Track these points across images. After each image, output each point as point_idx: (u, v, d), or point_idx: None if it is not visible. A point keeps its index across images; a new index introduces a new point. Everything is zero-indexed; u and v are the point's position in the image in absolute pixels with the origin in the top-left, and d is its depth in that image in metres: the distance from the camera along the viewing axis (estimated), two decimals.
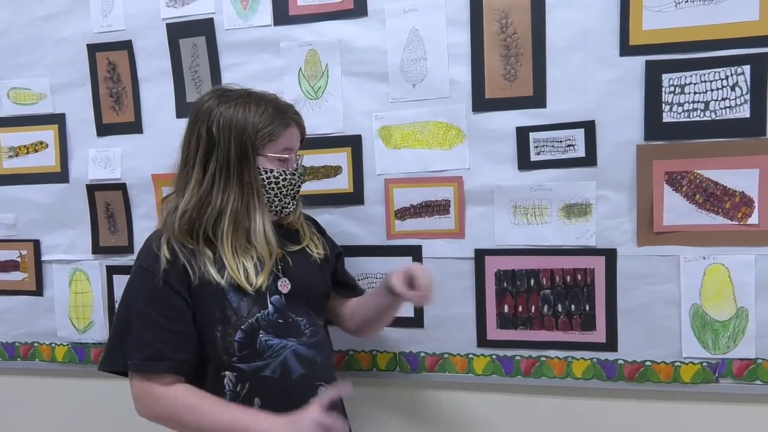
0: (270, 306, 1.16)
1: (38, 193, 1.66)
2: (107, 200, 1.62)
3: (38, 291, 1.69)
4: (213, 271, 1.12)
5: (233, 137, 1.14)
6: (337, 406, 1.23)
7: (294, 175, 1.21)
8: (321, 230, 1.37)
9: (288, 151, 1.20)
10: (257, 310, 1.15)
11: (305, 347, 1.19)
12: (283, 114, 1.19)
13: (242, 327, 1.14)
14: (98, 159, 1.61)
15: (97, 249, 1.64)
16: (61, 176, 1.64)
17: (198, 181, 1.14)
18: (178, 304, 1.12)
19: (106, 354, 1.16)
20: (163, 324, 1.11)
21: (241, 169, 1.14)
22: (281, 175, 1.19)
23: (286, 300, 1.18)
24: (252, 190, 1.16)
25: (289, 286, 1.19)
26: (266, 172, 1.17)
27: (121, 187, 1.60)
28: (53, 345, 1.70)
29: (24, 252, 1.69)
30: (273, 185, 1.19)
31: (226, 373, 1.14)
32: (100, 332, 1.65)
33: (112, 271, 1.63)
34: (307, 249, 1.27)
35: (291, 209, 1.24)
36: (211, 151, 1.14)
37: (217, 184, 1.14)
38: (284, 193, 1.20)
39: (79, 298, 1.66)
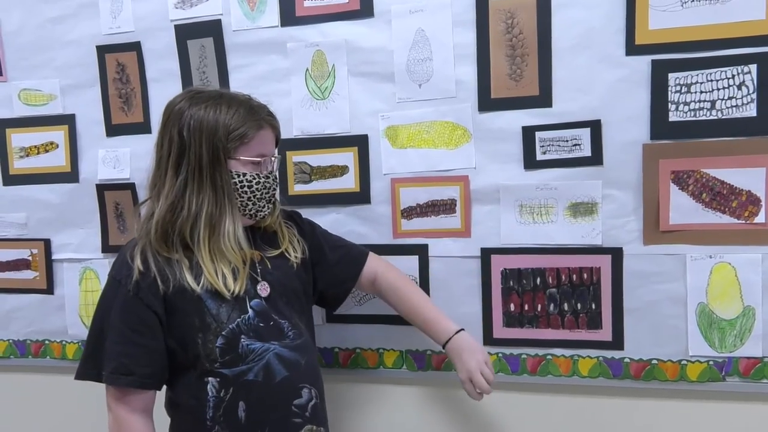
0: (250, 310, 1.16)
1: (49, 193, 1.68)
2: (117, 200, 1.64)
3: (49, 289, 1.71)
4: (189, 279, 1.12)
5: (204, 140, 1.12)
6: (318, 412, 1.22)
7: (268, 178, 1.19)
8: (303, 231, 1.33)
9: (261, 155, 1.18)
10: (237, 315, 1.15)
11: (288, 350, 1.18)
12: (255, 115, 1.16)
13: (223, 333, 1.13)
14: (108, 159, 1.63)
15: (107, 248, 1.65)
16: (71, 176, 1.66)
17: (171, 186, 1.13)
18: (147, 318, 1.12)
19: (81, 363, 1.18)
20: (131, 337, 1.12)
21: (213, 172, 1.12)
22: (254, 179, 1.17)
23: (267, 303, 1.18)
24: (224, 194, 1.14)
25: (269, 290, 1.19)
26: (238, 176, 1.15)
27: (130, 187, 1.62)
28: (64, 343, 1.72)
29: (35, 251, 1.71)
30: (246, 189, 1.16)
31: (209, 379, 1.14)
32: None
33: None
34: (285, 253, 1.25)
35: (266, 212, 1.22)
36: (183, 154, 1.12)
37: (189, 187, 1.12)
38: (258, 197, 1.18)
39: (89, 296, 1.68)
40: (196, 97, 1.16)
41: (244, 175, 1.16)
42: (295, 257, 1.26)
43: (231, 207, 1.15)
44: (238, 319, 1.15)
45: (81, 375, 1.18)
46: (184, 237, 1.13)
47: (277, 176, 1.25)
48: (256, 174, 1.18)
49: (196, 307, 1.13)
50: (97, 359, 1.15)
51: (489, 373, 1.23)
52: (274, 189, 1.23)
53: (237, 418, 1.14)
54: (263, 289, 1.19)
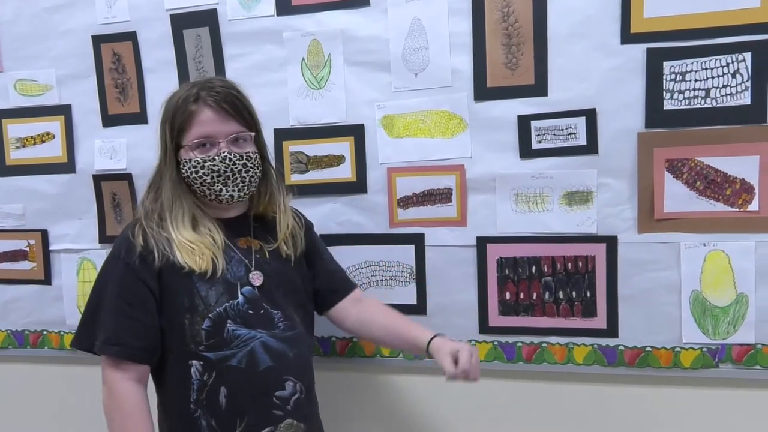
0: (240, 296, 1.17)
1: (45, 184, 1.68)
2: (113, 190, 1.64)
3: (46, 280, 1.72)
4: (179, 257, 1.14)
5: (162, 129, 1.19)
6: (302, 407, 1.21)
7: (224, 161, 1.15)
8: (306, 228, 1.33)
9: (204, 137, 1.14)
10: (226, 300, 1.16)
11: (276, 340, 1.18)
12: (192, 97, 1.15)
13: (209, 315, 1.15)
14: (104, 149, 1.63)
15: (104, 238, 1.66)
16: (67, 167, 1.66)
17: (157, 172, 1.21)
18: (141, 293, 1.14)
19: (77, 332, 1.21)
20: (126, 310, 1.13)
21: (166, 160, 1.18)
22: (199, 163, 1.15)
23: (260, 292, 1.19)
24: (178, 182, 1.18)
25: (262, 279, 1.19)
26: (186, 163, 1.16)
27: (127, 177, 1.62)
28: (62, 333, 1.73)
29: (32, 242, 1.71)
30: (195, 176, 1.16)
31: (193, 362, 1.15)
32: None
33: None
34: (278, 247, 1.25)
35: (232, 195, 1.18)
36: (160, 143, 1.20)
37: (163, 174, 1.19)
38: (209, 181, 1.16)
39: (87, 286, 1.68)
40: (181, 87, 1.20)
41: (189, 161, 1.16)
42: (287, 253, 1.26)
43: (182, 196, 1.18)
44: (226, 304, 1.16)
45: (75, 342, 1.21)
46: (164, 220, 1.17)
47: (250, 156, 1.18)
48: (202, 158, 1.15)
49: (186, 287, 1.15)
50: (91, 330, 1.16)
51: (468, 358, 1.14)
52: (236, 171, 1.17)
53: (218, 404, 1.15)
54: (256, 278, 1.19)
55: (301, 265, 1.30)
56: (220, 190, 1.17)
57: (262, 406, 1.16)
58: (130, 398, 1.13)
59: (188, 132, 1.15)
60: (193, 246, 1.14)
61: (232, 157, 1.16)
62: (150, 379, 1.19)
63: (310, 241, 1.34)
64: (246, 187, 1.20)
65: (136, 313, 1.14)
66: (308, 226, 1.36)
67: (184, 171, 1.17)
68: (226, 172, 1.16)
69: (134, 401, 1.13)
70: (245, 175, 1.18)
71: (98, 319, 1.16)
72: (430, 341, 1.20)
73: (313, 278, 1.33)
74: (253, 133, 1.21)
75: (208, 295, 1.15)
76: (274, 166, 1.29)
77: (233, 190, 1.18)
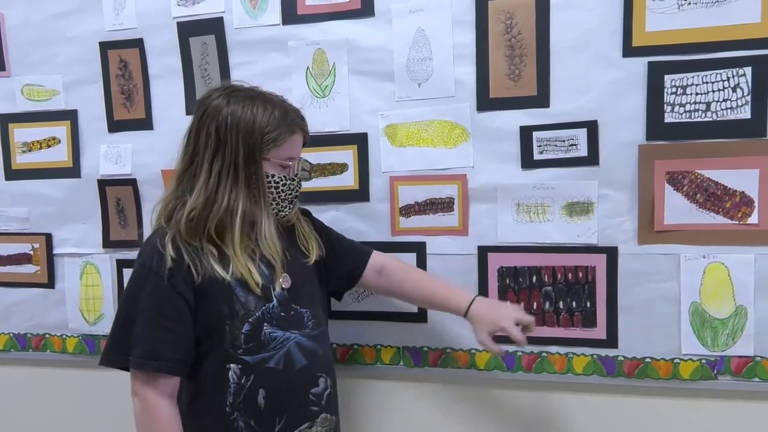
0: (274, 299, 1.19)
1: (50, 188, 1.69)
2: (118, 195, 1.65)
3: (50, 284, 1.73)
4: (218, 268, 1.14)
5: (241, 139, 1.14)
6: (332, 401, 1.26)
7: (294, 180, 1.23)
8: (315, 226, 1.37)
9: (290, 158, 1.22)
10: (263, 304, 1.18)
11: (307, 339, 1.22)
12: (290, 120, 1.20)
13: (249, 320, 1.16)
14: (109, 155, 1.64)
15: (108, 243, 1.67)
16: (73, 171, 1.67)
17: (206, 180, 1.15)
18: (178, 304, 1.13)
19: (107, 349, 1.18)
20: (163, 323, 1.12)
21: (248, 170, 1.16)
22: (281, 180, 1.20)
23: (288, 293, 1.21)
24: (259, 193, 1.17)
25: (290, 281, 1.22)
26: (268, 177, 1.19)
27: (132, 183, 1.63)
28: (64, 337, 1.74)
29: (36, 245, 1.73)
30: (273, 190, 1.20)
31: (231, 365, 1.16)
32: (110, 325, 1.63)
33: (122, 264, 1.67)
34: (301, 247, 1.29)
35: (287, 213, 1.25)
36: (219, 150, 1.15)
37: (223, 184, 1.15)
38: (282, 197, 1.22)
39: (90, 290, 1.70)
40: (234, 95, 1.17)
41: (273, 176, 1.20)
42: (306, 254, 1.29)
43: (265, 205, 1.19)
44: (263, 308, 1.18)
45: (106, 361, 1.18)
46: (211, 231, 1.15)
47: (308, 174, 1.30)
48: (284, 176, 1.21)
49: (225, 294, 1.15)
50: (124, 345, 1.14)
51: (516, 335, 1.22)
52: (298, 191, 1.25)
53: (257, 405, 1.16)
54: (285, 280, 1.21)
55: (318, 263, 1.32)
56: (286, 206, 1.24)
57: (300, 404, 1.19)
58: (166, 415, 1.13)
59: (278, 149, 1.18)
60: (251, 265, 1.17)
61: (302, 176, 1.26)
62: None
63: (318, 230, 1.37)
64: (293, 204, 1.27)
65: (172, 325, 1.13)
66: (312, 221, 1.38)
67: (261, 183, 1.18)
68: (296, 189, 1.24)
69: (170, 418, 1.13)
70: (297, 193, 1.26)
71: (131, 333, 1.13)
72: (469, 306, 1.27)
73: (327, 272, 1.35)
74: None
75: (247, 301, 1.16)
76: None
77: (290, 206, 1.26)
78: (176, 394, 1.17)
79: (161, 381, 1.13)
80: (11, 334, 1.78)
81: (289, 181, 1.22)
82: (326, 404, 1.23)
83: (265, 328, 1.17)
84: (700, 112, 1.30)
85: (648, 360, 1.38)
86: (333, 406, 1.27)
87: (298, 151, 1.25)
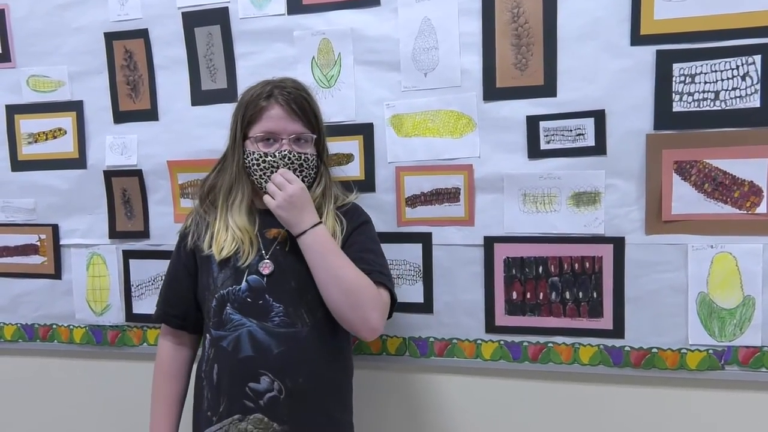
0: (245, 283, 1.20)
1: (57, 179, 1.70)
2: (124, 186, 1.65)
3: (57, 274, 1.73)
4: (206, 241, 1.25)
5: (234, 118, 1.25)
6: (278, 407, 1.16)
7: (284, 158, 1.19)
8: (352, 233, 1.26)
9: (268, 133, 1.20)
10: (230, 284, 1.21)
11: (264, 332, 1.17)
12: (265, 94, 1.21)
13: (215, 296, 1.22)
14: (115, 146, 1.64)
15: (114, 234, 1.67)
16: (79, 162, 1.68)
17: (221, 159, 1.30)
18: (180, 267, 1.30)
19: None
20: (169, 282, 1.33)
21: (234, 149, 1.24)
22: (260, 157, 1.21)
23: (267, 282, 1.19)
24: (239, 170, 1.24)
25: (271, 269, 1.20)
26: (250, 155, 1.22)
27: (138, 174, 1.63)
28: (71, 327, 1.74)
29: (43, 236, 1.73)
30: (255, 167, 1.22)
31: (207, 335, 1.25)
32: (116, 315, 1.69)
33: (128, 255, 1.67)
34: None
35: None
36: (230, 132, 1.27)
37: (226, 161, 1.27)
38: (259, 176, 1.22)
39: (97, 281, 1.70)
40: (253, 85, 1.27)
41: (252, 153, 1.22)
42: None
43: (243, 183, 1.24)
44: (229, 288, 1.21)
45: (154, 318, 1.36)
46: (216, 203, 1.27)
47: (308, 157, 1.23)
48: (263, 153, 1.20)
49: (207, 267, 1.25)
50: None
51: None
52: (291, 170, 1.20)
53: (212, 378, 1.21)
54: (265, 267, 1.20)
55: None
56: (262, 185, 1.23)
57: (236, 392, 1.18)
58: (163, 353, 1.32)
59: (256, 125, 1.22)
60: (231, 232, 1.23)
61: (290, 155, 1.21)
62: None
63: (348, 237, 1.25)
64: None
65: (174, 284, 1.31)
66: (355, 227, 1.27)
67: (247, 161, 1.23)
68: (279, 166, 1.21)
69: (166, 356, 1.31)
70: (299, 174, 1.22)
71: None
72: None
73: None
74: (314, 136, 1.25)
75: (217, 277, 1.23)
76: (330, 173, 1.34)
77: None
78: (186, 344, 1.33)
79: (166, 328, 1.33)
80: (19, 325, 1.78)
81: (269, 159, 1.20)
82: (266, 407, 1.15)
83: (227, 308, 1.20)
84: (708, 101, 1.30)
85: (655, 350, 1.38)
86: (278, 412, 1.15)
87: (281, 124, 1.20)
